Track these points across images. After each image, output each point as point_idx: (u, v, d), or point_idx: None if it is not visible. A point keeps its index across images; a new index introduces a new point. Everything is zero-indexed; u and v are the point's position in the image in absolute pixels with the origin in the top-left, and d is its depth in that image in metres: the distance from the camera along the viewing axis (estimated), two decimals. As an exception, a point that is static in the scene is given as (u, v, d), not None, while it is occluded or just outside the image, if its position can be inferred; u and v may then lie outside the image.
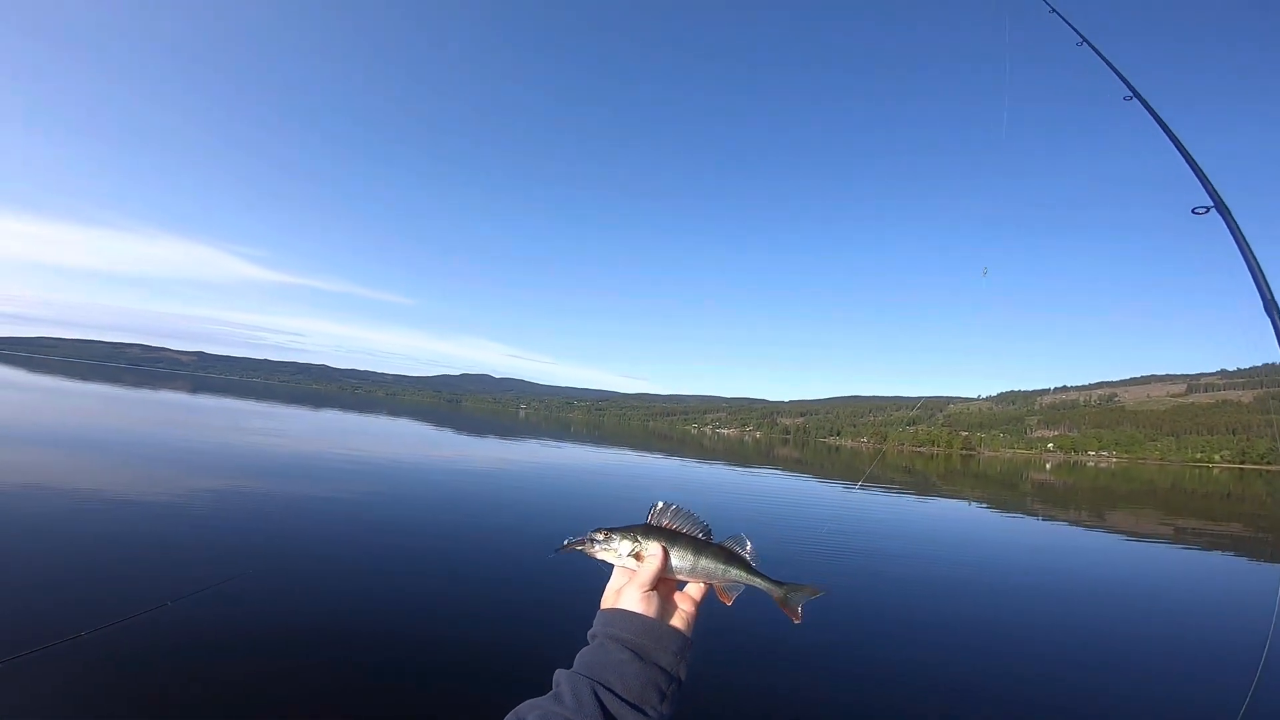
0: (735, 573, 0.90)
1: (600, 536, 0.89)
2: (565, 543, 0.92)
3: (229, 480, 14.99)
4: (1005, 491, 38.73)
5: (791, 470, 45.64)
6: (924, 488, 36.74)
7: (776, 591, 0.90)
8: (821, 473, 45.51)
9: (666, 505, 0.93)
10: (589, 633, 0.79)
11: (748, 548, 0.88)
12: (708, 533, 0.91)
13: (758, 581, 0.91)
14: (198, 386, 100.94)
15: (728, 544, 0.92)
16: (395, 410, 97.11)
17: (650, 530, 0.90)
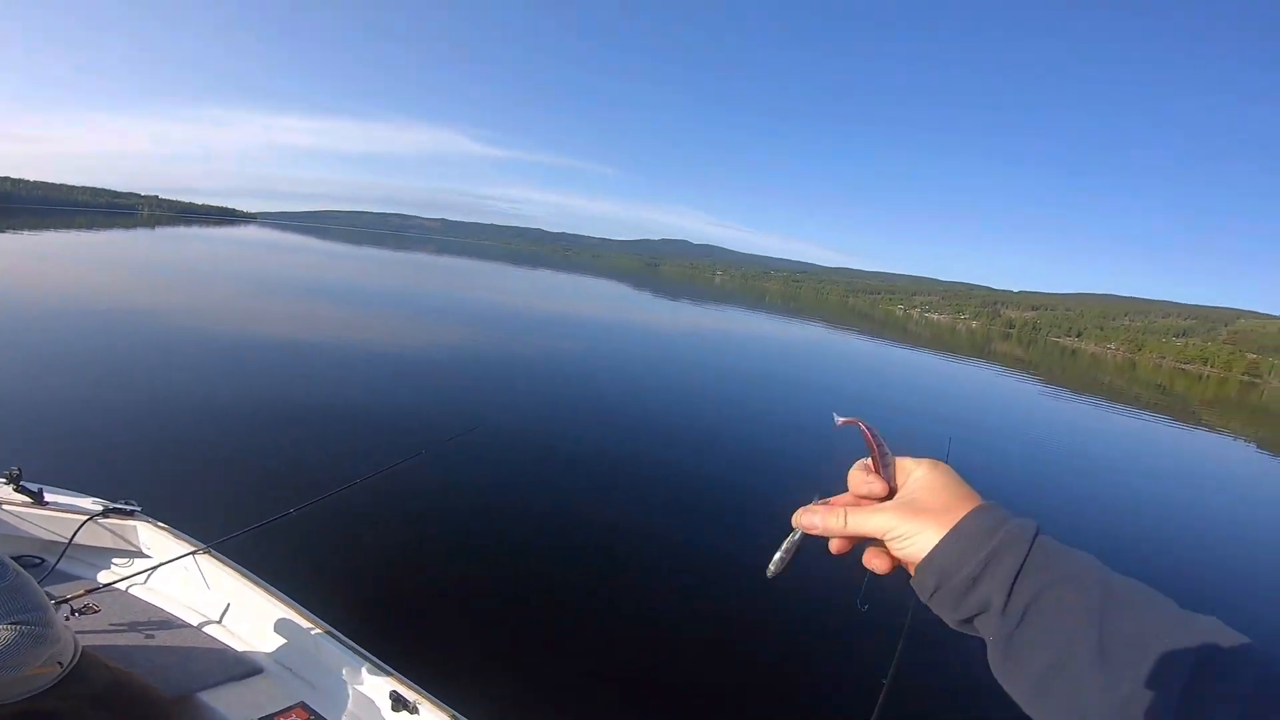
0: None
1: None
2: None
3: (471, 334, 17.71)
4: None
5: (1011, 368, 41.03)
6: (1179, 412, 30.14)
7: None
8: (1049, 377, 40.19)
9: None
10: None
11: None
12: None
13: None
14: (441, 249, 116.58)
15: None
16: (599, 271, 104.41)
17: None
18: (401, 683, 2.15)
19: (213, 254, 40.26)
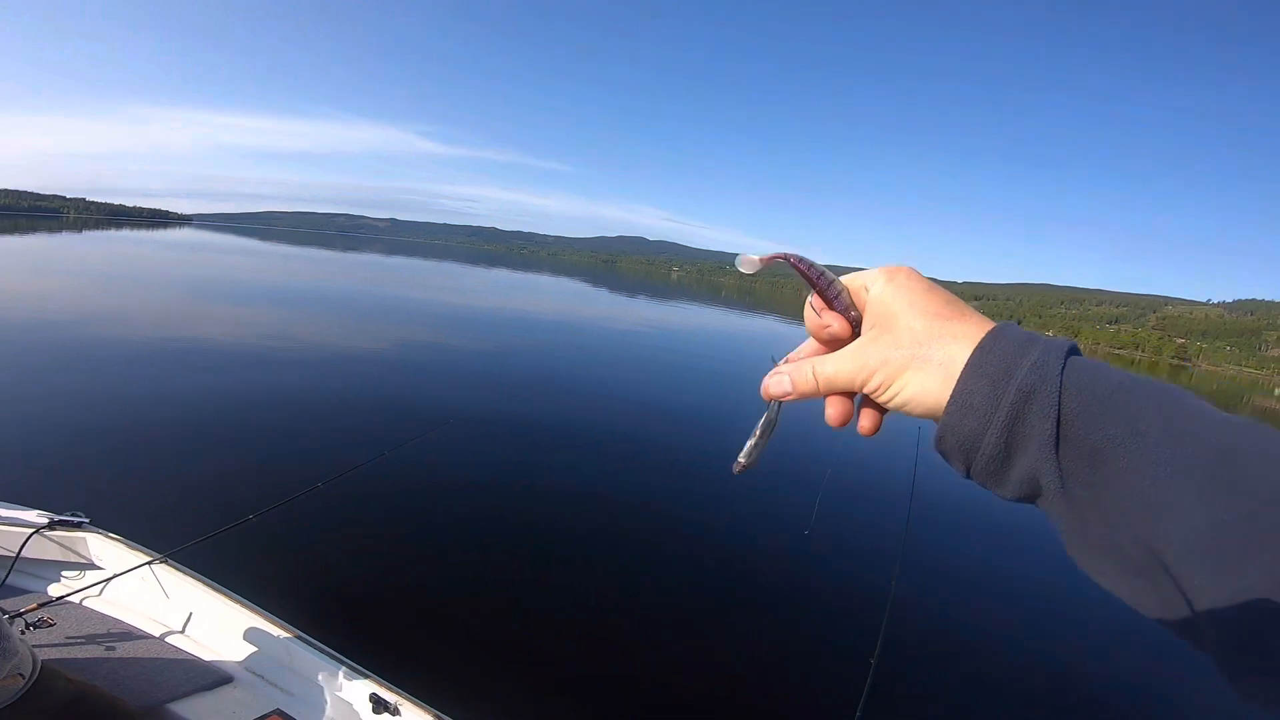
0: None
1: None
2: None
3: (431, 335, 17.21)
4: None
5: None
6: None
7: None
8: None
9: None
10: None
11: None
12: None
13: None
14: (391, 249, 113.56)
15: None
16: (556, 269, 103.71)
17: None
18: (380, 684, 2.09)
19: (146, 257, 38.32)
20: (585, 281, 68.07)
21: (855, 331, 0.46)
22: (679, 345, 23.65)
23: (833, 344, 0.47)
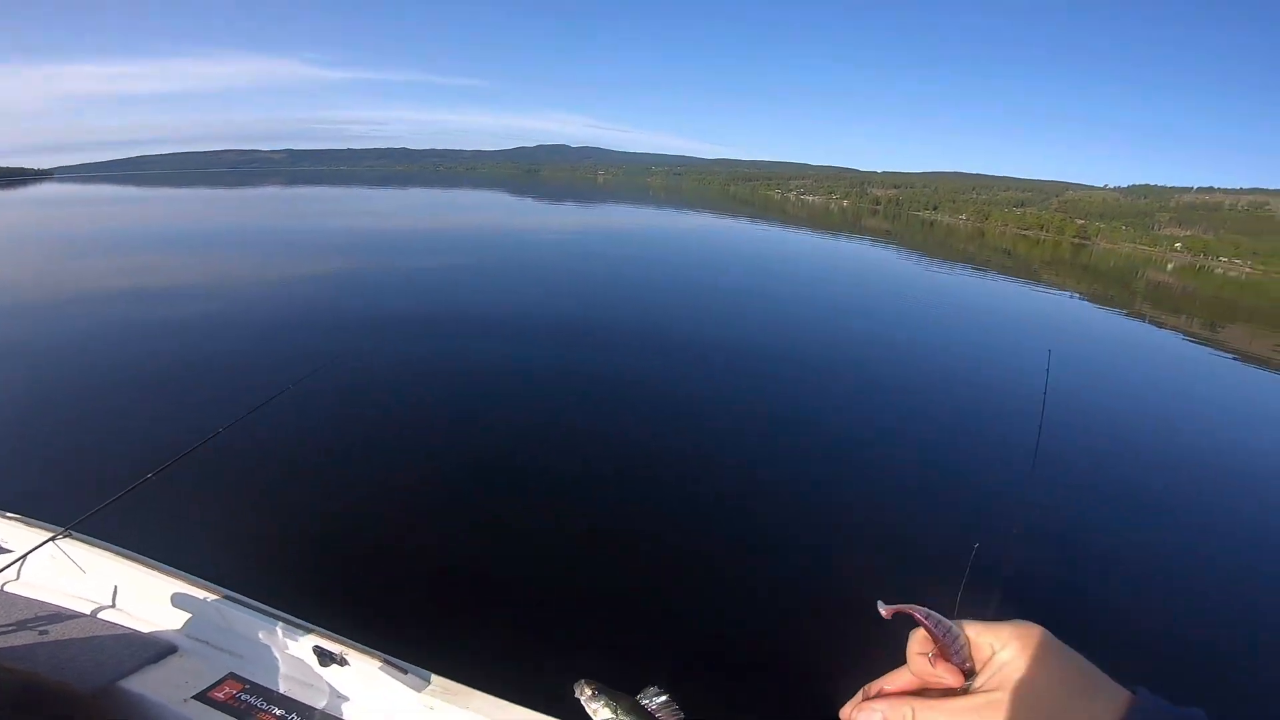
0: None
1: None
2: None
3: (323, 264, 16.00)
4: (1114, 289, 34.16)
5: (880, 239, 44.03)
6: (1026, 273, 33.32)
7: None
8: (911, 245, 43.30)
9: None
10: None
11: None
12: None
13: None
14: (292, 180, 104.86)
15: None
16: (476, 183, 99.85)
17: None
18: (323, 636, 2.00)
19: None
20: (507, 192, 65.16)
21: (966, 681, 0.46)
22: (612, 249, 23.12)
23: (936, 683, 0.47)
